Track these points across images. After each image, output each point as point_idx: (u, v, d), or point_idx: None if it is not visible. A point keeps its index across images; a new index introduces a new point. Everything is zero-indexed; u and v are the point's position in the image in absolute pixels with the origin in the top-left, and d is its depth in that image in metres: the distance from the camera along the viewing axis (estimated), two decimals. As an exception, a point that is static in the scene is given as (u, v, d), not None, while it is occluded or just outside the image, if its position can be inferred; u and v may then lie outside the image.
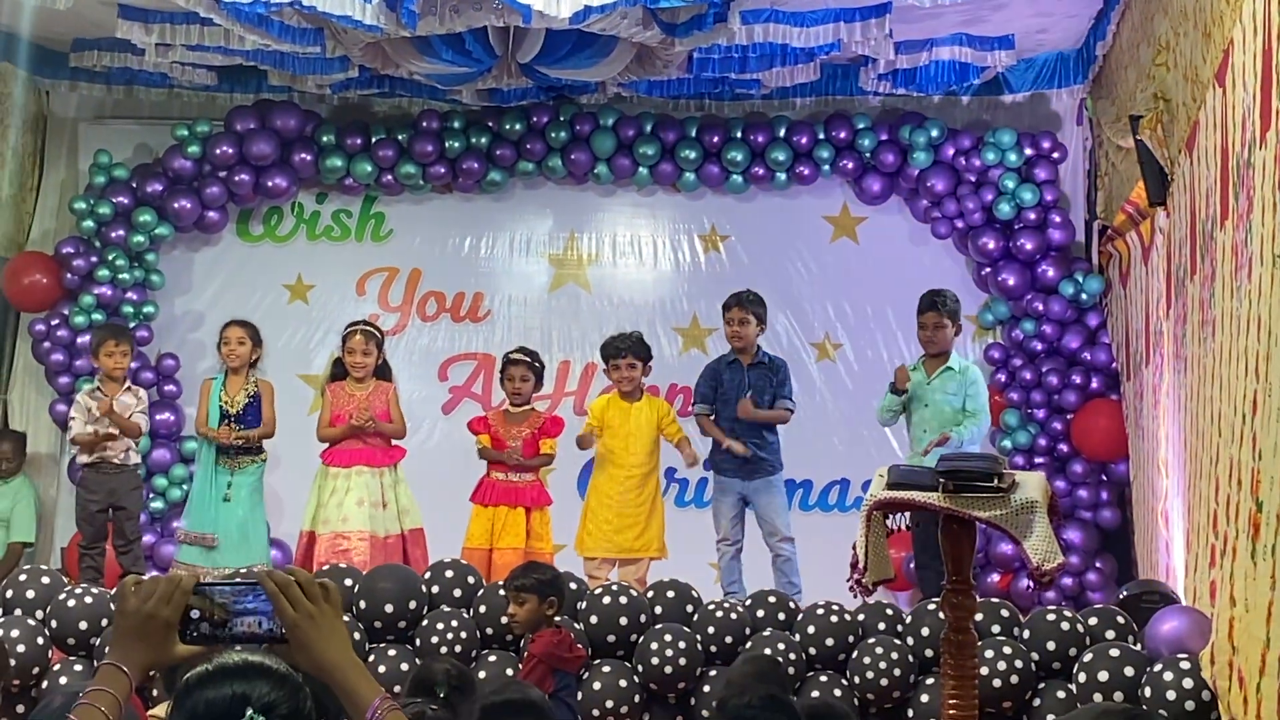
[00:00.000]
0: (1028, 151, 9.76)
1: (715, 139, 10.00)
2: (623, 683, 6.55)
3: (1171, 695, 5.92)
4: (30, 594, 6.86)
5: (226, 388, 8.29)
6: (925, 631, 6.60)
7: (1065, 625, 6.54)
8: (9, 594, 6.88)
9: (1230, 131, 5.57)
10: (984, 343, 9.93)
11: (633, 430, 8.18)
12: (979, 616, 6.13)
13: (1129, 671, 6.19)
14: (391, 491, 8.08)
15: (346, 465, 8.04)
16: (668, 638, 6.59)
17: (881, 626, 6.75)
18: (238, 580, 2.41)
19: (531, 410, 8.33)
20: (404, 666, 6.45)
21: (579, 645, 6.15)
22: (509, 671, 6.42)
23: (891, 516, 5.38)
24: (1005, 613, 6.72)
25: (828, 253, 10.23)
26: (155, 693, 5.54)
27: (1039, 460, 9.42)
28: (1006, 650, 6.42)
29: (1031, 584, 5.11)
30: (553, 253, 10.40)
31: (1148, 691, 6.03)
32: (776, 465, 8.14)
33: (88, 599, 6.79)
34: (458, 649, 6.58)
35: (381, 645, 6.69)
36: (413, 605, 6.79)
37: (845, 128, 9.91)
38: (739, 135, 9.99)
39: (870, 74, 9.47)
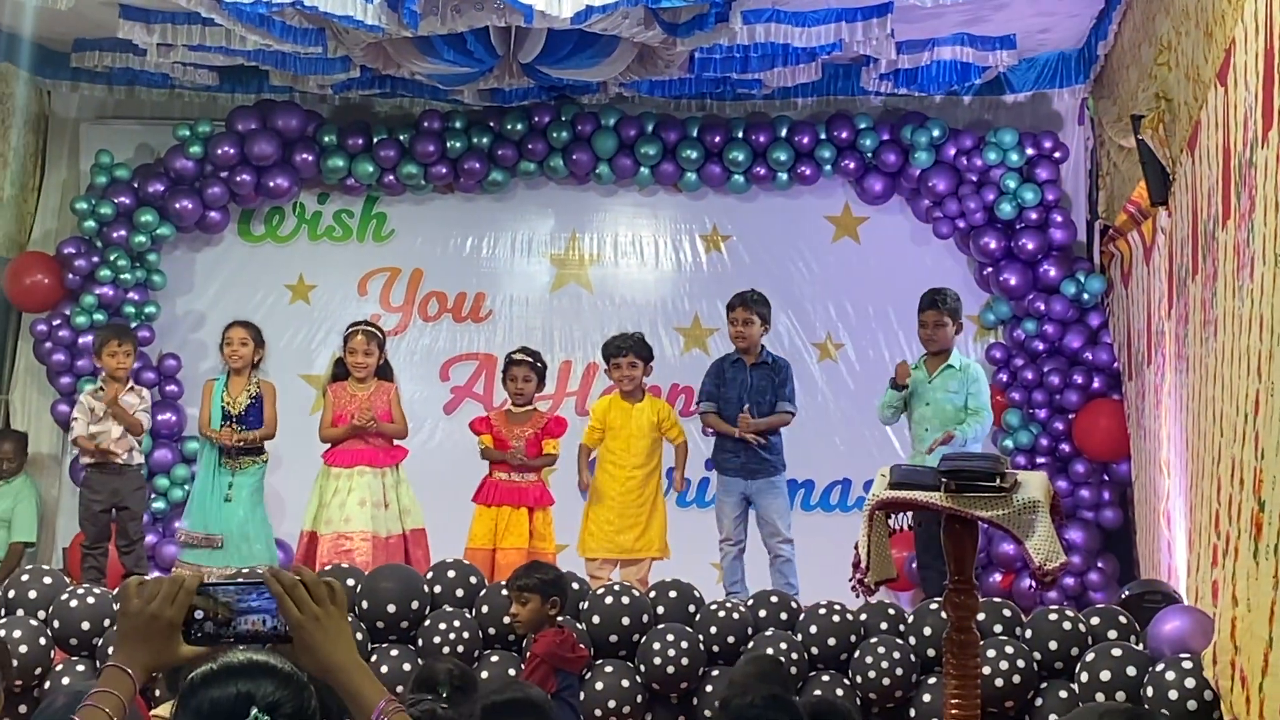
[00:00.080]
0: (1029, 151, 9.76)
1: (717, 139, 10.00)
2: (625, 683, 6.55)
3: (1174, 695, 5.91)
4: (32, 594, 6.85)
5: (229, 388, 8.30)
6: (927, 631, 6.60)
7: (1067, 625, 6.54)
8: (11, 594, 6.87)
9: (1232, 131, 5.56)
10: (986, 342, 9.93)
11: (634, 431, 8.18)
12: (981, 616, 6.11)
13: (1131, 671, 6.19)
14: (393, 492, 8.08)
15: (348, 465, 8.05)
16: (670, 638, 6.59)
17: (884, 626, 6.75)
18: (240, 580, 2.41)
19: (534, 410, 8.33)
20: (406, 667, 6.45)
21: (581, 645, 6.15)
22: (511, 671, 6.42)
23: (894, 516, 5.37)
24: (1007, 612, 6.72)
25: (829, 253, 10.23)
26: (158, 693, 5.54)
27: (1041, 460, 9.42)
28: (1009, 650, 6.42)
29: (1034, 584, 5.11)
30: (554, 253, 10.40)
31: (1150, 691, 6.03)
32: (779, 466, 8.14)
33: (90, 599, 6.78)
34: (460, 649, 6.58)
35: (384, 645, 6.69)
36: (415, 605, 6.79)
37: (847, 128, 9.91)
38: (740, 135, 9.99)
39: (872, 74, 9.47)
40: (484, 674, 6.36)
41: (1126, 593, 7.14)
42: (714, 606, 6.83)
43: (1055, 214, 9.70)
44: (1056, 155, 9.82)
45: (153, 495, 9.52)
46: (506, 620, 6.34)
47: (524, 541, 7.92)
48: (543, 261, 10.40)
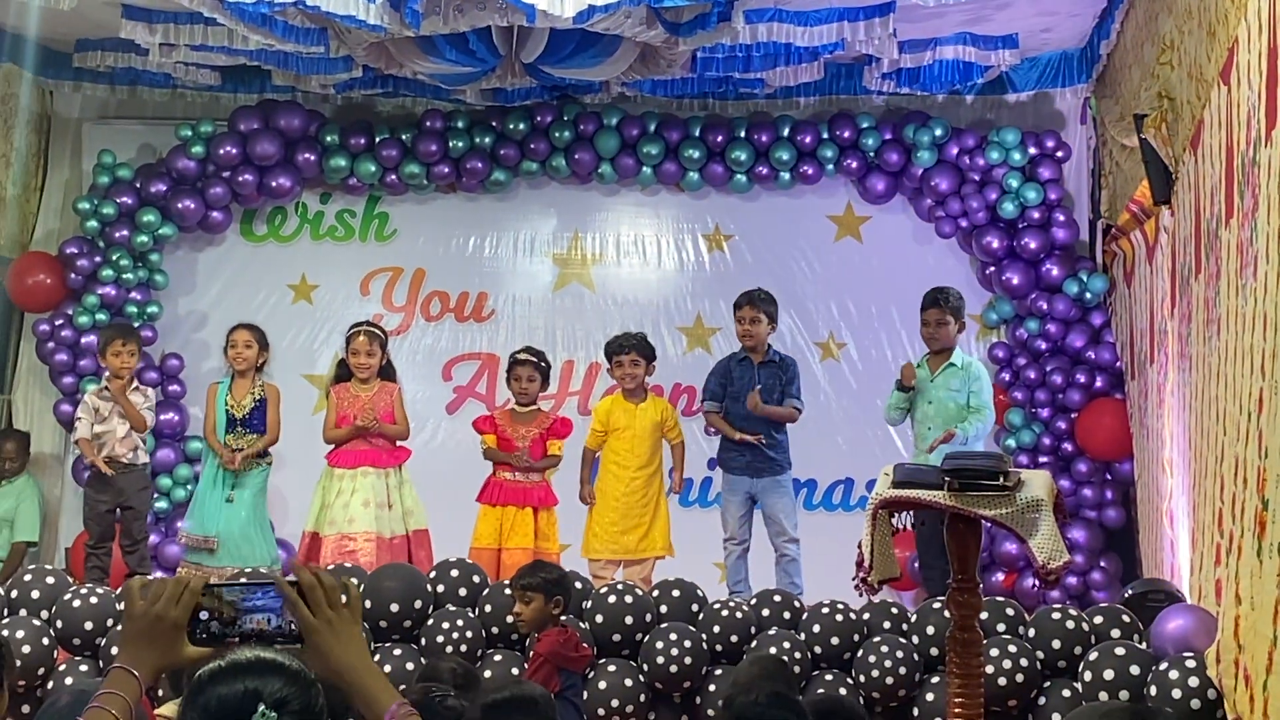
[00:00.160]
0: (1032, 150, 9.76)
1: (719, 138, 10.00)
2: (628, 682, 6.55)
3: (1177, 694, 5.91)
4: (35, 594, 6.85)
5: (232, 392, 8.29)
6: (930, 630, 6.60)
7: (1070, 624, 6.54)
8: (14, 594, 6.87)
9: (1235, 130, 5.56)
10: (988, 342, 9.93)
11: (638, 431, 8.17)
12: (984, 615, 6.12)
13: (1134, 670, 6.19)
14: (397, 492, 8.08)
15: (352, 466, 8.04)
16: (673, 637, 6.59)
17: (887, 625, 6.75)
18: (243, 580, 2.41)
19: (538, 410, 8.33)
20: (410, 666, 6.45)
21: (585, 644, 6.15)
22: (514, 671, 6.42)
23: (897, 515, 5.37)
24: (1010, 611, 6.72)
25: (832, 252, 10.22)
26: (160, 692, 5.54)
27: (1043, 459, 9.41)
28: (1012, 649, 6.42)
29: (1037, 582, 5.11)
30: (557, 252, 10.40)
31: (1153, 690, 6.03)
32: (785, 464, 8.14)
33: (93, 599, 6.78)
34: (463, 648, 6.57)
35: (387, 645, 6.69)
36: (418, 605, 6.78)
37: (849, 127, 9.91)
38: (743, 134, 9.99)
39: (874, 73, 9.47)
40: (487, 673, 6.35)
41: (1129, 592, 7.14)
42: (717, 606, 6.83)
43: (1058, 213, 9.69)
44: (1059, 154, 9.81)
45: (155, 495, 9.51)
46: (510, 620, 6.33)
47: (529, 541, 7.91)
48: (545, 261, 10.40)
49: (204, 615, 2.39)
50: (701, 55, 8.85)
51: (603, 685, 6.52)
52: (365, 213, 10.38)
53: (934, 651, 6.52)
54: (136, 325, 9.52)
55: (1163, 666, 6.06)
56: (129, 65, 9.48)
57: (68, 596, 6.79)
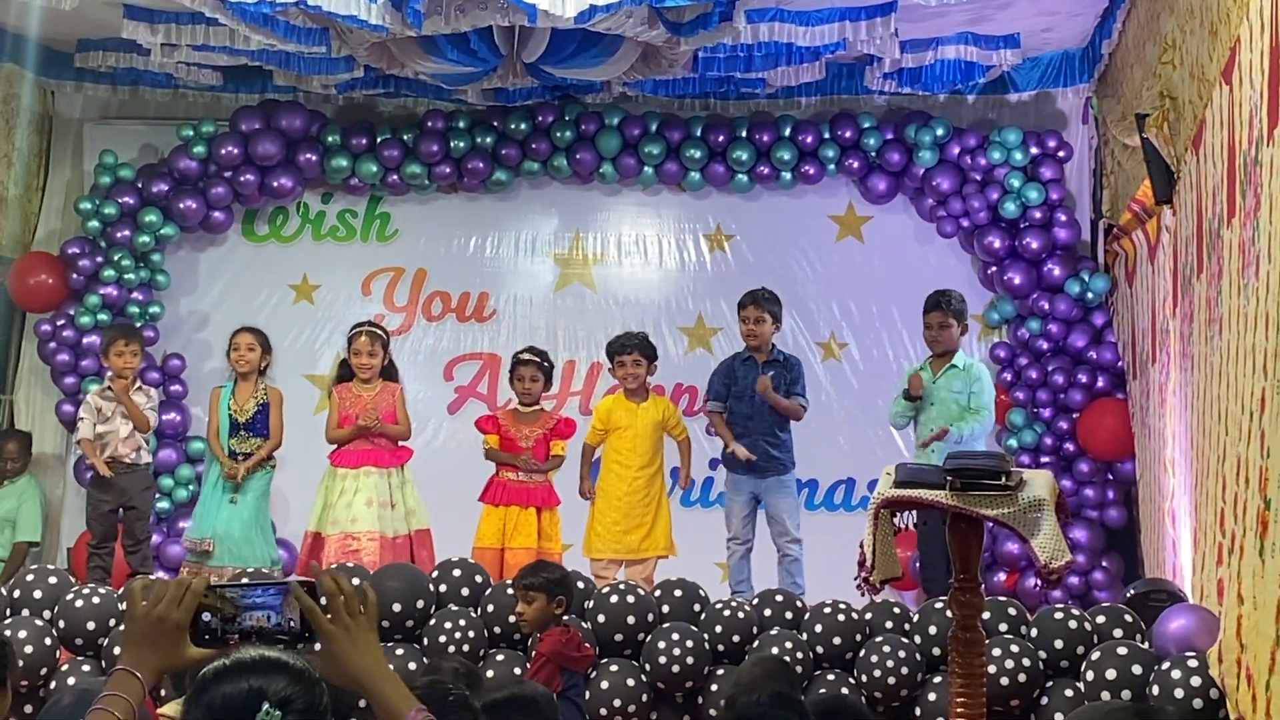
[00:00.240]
0: (1033, 150, 9.75)
1: (720, 138, 10.00)
2: (630, 682, 6.55)
3: (1179, 693, 5.91)
4: (37, 594, 6.85)
5: (235, 395, 8.28)
6: (933, 630, 6.60)
7: (1073, 624, 6.54)
8: (16, 594, 6.88)
9: (1237, 129, 5.56)
10: (990, 342, 9.92)
11: (640, 430, 8.17)
12: (986, 615, 6.12)
13: (1137, 670, 6.19)
14: (399, 492, 8.08)
15: (354, 466, 8.04)
16: (675, 637, 6.59)
17: (889, 625, 6.75)
18: (244, 580, 2.42)
19: (542, 411, 8.33)
20: (412, 666, 6.45)
21: (587, 644, 6.15)
22: (517, 671, 6.42)
23: (898, 515, 5.37)
24: (1013, 611, 6.72)
25: (833, 252, 10.22)
26: (163, 692, 5.54)
27: (1045, 459, 9.41)
28: (1014, 649, 6.42)
29: (1039, 582, 5.11)
30: (558, 252, 10.40)
31: (1155, 690, 6.03)
32: (789, 464, 8.13)
33: (95, 599, 6.78)
34: (465, 648, 6.57)
35: (390, 645, 6.69)
36: (420, 604, 6.78)
37: (850, 127, 9.91)
38: (744, 134, 9.99)
39: (875, 73, 9.47)
40: (489, 673, 6.36)
41: (1131, 591, 7.13)
42: (719, 606, 6.83)
43: (1059, 213, 9.69)
44: (1061, 154, 9.81)
45: (157, 495, 9.52)
46: (512, 619, 6.34)
47: (533, 541, 7.91)
48: (546, 261, 10.40)
49: (206, 617, 2.39)
50: (703, 55, 8.86)
51: (605, 685, 6.52)
52: (367, 213, 10.38)
53: (936, 651, 6.52)
54: (138, 325, 9.52)
55: (1165, 666, 6.06)
56: (130, 65, 9.48)
57: (70, 596, 6.80)
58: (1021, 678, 6.37)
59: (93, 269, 9.73)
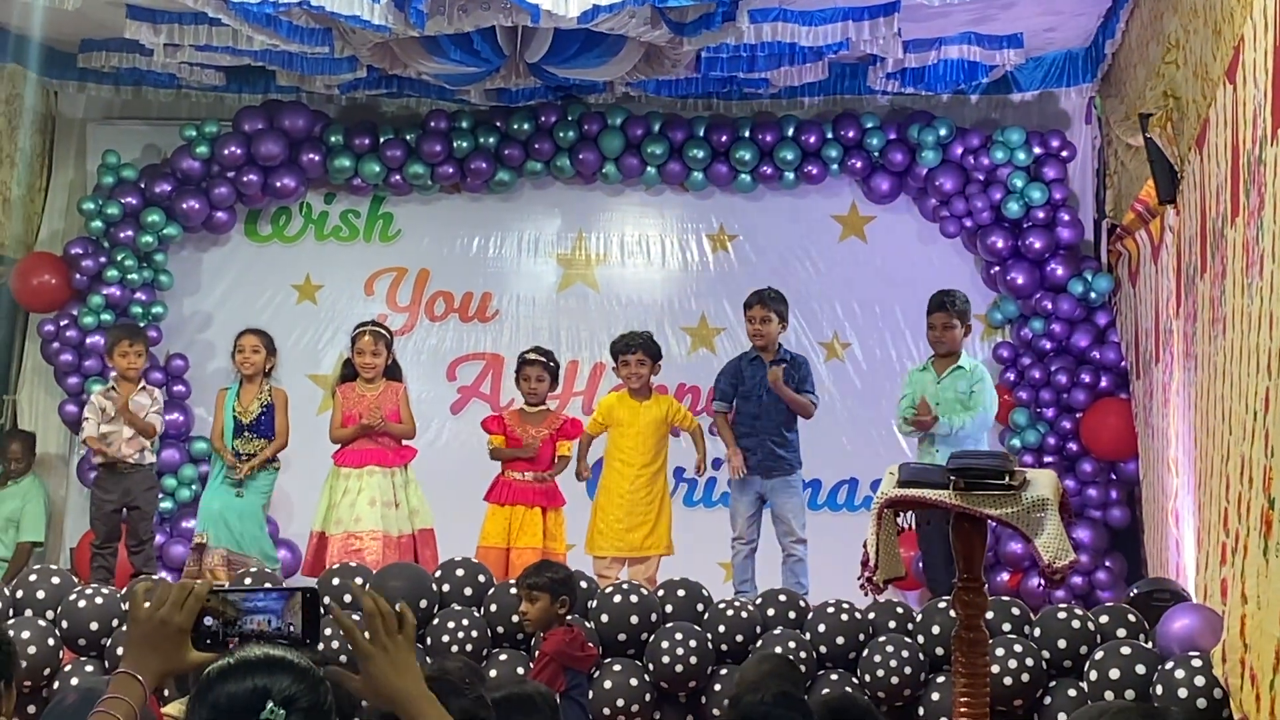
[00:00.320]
0: (1036, 150, 9.75)
1: (723, 138, 10.00)
2: (634, 681, 6.55)
3: (1183, 693, 5.91)
4: (40, 594, 6.85)
5: (240, 397, 8.29)
6: (936, 630, 6.60)
7: (1076, 623, 6.53)
8: (19, 594, 6.88)
9: (1241, 128, 5.56)
10: (993, 342, 9.92)
11: (642, 428, 8.17)
12: (989, 615, 6.12)
13: (1140, 669, 6.17)
14: (403, 492, 8.08)
15: (358, 465, 8.04)
16: (679, 636, 6.59)
17: (892, 625, 6.74)
18: (248, 583, 2.42)
19: (547, 411, 8.33)
20: (414, 666, 6.44)
21: (590, 644, 6.15)
22: (520, 670, 6.42)
23: (902, 515, 5.37)
24: (1016, 611, 6.71)
25: (836, 252, 10.22)
26: (166, 692, 5.55)
27: (1048, 459, 9.41)
28: (1017, 648, 6.41)
29: (1043, 582, 5.11)
30: (561, 252, 10.40)
31: (1159, 689, 6.02)
32: (795, 464, 8.11)
33: (98, 599, 6.78)
34: (469, 648, 6.57)
35: (392, 644, 6.68)
36: (424, 604, 6.78)
37: (853, 127, 9.91)
38: (747, 134, 9.99)
39: (878, 73, 9.47)
40: (493, 672, 6.36)
41: (1135, 591, 7.13)
42: (722, 605, 6.83)
43: (1062, 213, 9.69)
44: (1064, 154, 9.81)
45: (160, 495, 9.51)
46: (515, 619, 6.34)
47: (538, 541, 7.91)
48: (549, 261, 10.40)
49: (207, 620, 2.39)
50: (706, 55, 8.86)
51: (608, 685, 6.51)
52: (369, 213, 10.39)
53: (939, 651, 6.52)
54: (141, 325, 9.53)
55: (1168, 666, 6.05)
56: (133, 65, 9.49)
57: (73, 596, 6.79)
58: (1025, 677, 6.36)
59: (96, 269, 9.73)
